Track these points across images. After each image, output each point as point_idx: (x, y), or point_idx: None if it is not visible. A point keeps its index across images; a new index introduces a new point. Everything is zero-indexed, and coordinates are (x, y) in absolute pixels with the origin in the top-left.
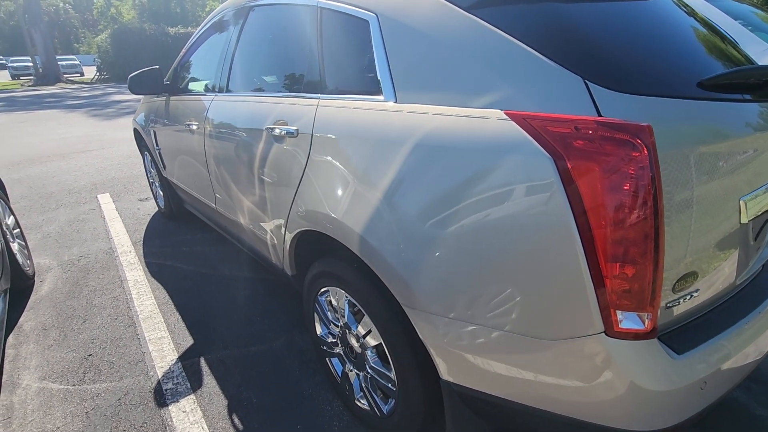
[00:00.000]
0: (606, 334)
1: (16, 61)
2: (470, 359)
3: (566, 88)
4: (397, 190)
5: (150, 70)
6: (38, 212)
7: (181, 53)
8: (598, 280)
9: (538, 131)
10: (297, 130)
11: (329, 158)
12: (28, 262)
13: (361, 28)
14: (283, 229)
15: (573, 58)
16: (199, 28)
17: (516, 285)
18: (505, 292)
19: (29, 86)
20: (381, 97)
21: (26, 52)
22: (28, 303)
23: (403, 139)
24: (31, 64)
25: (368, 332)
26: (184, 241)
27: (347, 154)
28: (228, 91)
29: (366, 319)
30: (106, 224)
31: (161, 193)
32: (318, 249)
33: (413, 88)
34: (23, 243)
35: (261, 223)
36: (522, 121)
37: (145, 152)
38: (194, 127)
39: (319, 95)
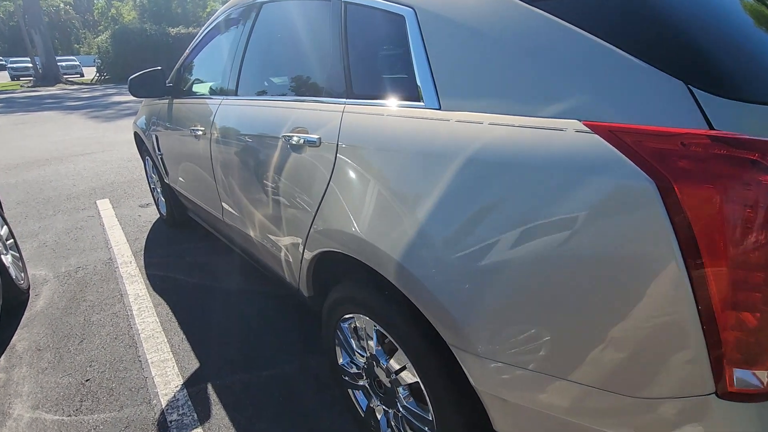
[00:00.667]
0: (717, 395)
1: (16, 62)
2: (538, 414)
3: (664, 94)
4: (446, 212)
5: (152, 71)
6: (35, 219)
7: (185, 54)
8: (712, 332)
9: (632, 147)
10: (319, 138)
11: (358, 172)
12: (22, 275)
13: (394, 24)
14: (301, 248)
15: (671, 58)
16: (203, 28)
17: (602, 332)
18: (588, 339)
19: (29, 87)
20: (420, 103)
21: (26, 52)
22: (22, 320)
23: (451, 152)
24: (30, 64)
25: (402, 368)
26: (187, 251)
27: (381, 167)
28: (237, 94)
29: (400, 353)
30: (106, 232)
31: (163, 199)
32: (341, 270)
33: (460, 93)
34: (17, 254)
35: (275, 239)
36: (609, 134)
37: (147, 157)
38: (200, 133)
39: (345, 100)
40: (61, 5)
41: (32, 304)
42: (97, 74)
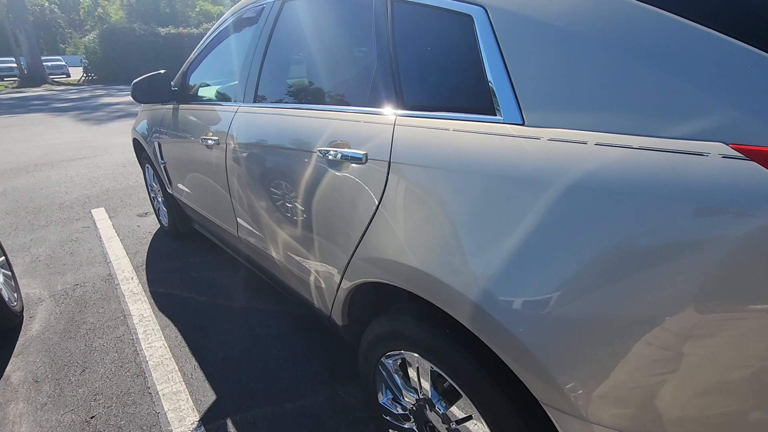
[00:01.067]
0: None
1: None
2: None
3: None
4: (542, 247)
5: (157, 75)
6: (26, 231)
7: (192, 56)
8: None
9: None
10: (365, 155)
11: (418, 195)
12: (15, 295)
13: (458, 24)
14: (337, 276)
15: None
16: (213, 28)
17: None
18: (736, 410)
19: (13, 88)
20: (497, 117)
21: (10, 52)
22: (16, 346)
23: (546, 177)
24: (15, 65)
25: (467, 418)
26: (193, 265)
27: (448, 191)
28: (257, 101)
29: (465, 400)
30: (103, 245)
31: (165, 209)
32: (386, 300)
33: (550, 105)
34: (9, 273)
35: (303, 263)
36: None
37: (147, 165)
38: (211, 142)
39: (396, 111)
40: (46, 4)
41: (27, 328)
42: (84, 75)
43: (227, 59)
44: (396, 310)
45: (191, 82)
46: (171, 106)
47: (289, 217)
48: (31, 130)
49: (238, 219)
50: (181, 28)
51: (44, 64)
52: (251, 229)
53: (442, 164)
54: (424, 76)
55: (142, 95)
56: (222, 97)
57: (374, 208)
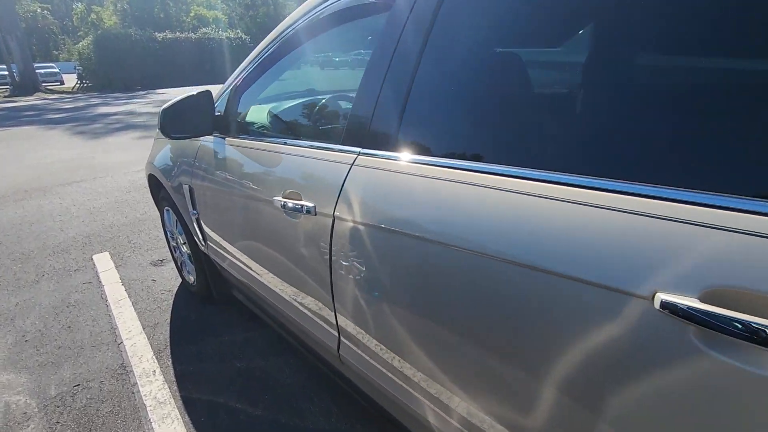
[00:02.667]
0: None
1: None
2: None
3: None
4: None
5: (195, 96)
6: (10, 290)
7: (245, 68)
8: None
9: None
10: None
11: None
12: None
13: None
14: None
15: None
16: (288, 23)
17: None
18: None
19: (5, 97)
20: None
21: (1, 60)
22: None
23: None
24: (6, 72)
25: None
26: (234, 347)
27: None
28: (400, 147)
29: None
30: (111, 312)
31: (192, 265)
32: None
33: None
34: None
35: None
36: None
37: (167, 207)
38: (297, 208)
39: None
40: (38, 10)
41: None
42: (79, 82)
43: (319, 74)
44: None
45: (245, 107)
46: (212, 138)
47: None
48: (22, 146)
49: (345, 329)
50: (178, 33)
51: (37, 71)
52: (372, 348)
53: None
54: None
55: (175, 128)
56: (313, 135)
57: None
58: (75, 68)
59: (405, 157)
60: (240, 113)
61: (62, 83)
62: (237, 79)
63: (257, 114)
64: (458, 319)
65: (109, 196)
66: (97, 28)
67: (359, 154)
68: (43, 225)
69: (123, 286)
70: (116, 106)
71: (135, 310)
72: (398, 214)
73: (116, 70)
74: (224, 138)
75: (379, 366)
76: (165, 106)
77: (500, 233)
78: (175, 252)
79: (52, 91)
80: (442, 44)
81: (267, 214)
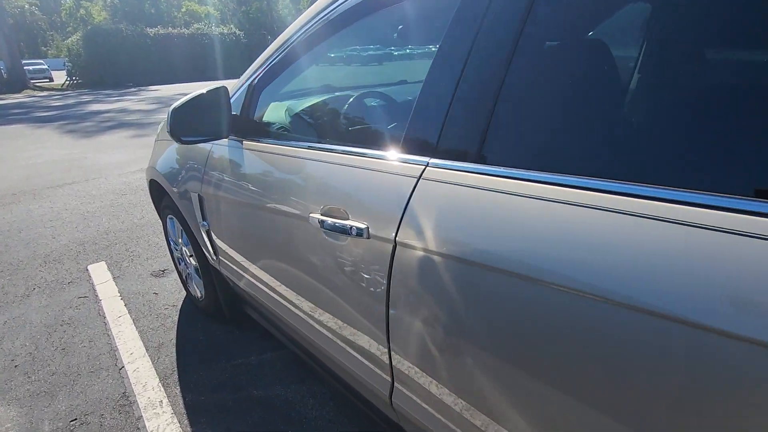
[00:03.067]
0: None
1: None
2: None
3: None
4: None
5: (213, 93)
6: None
7: (262, 66)
8: None
9: None
10: None
11: None
12: None
13: None
14: None
15: None
16: (314, 14)
17: None
18: None
19: None
20: None
21: None
22: None
23: None
24: None
25: None
26: (250, 372)
27: None
28: (490, 159)
29: None
30: (109, 331)
31: (199, 279)
32: None
33: None
34: None
35: None
36: None
37: (170, 215)
38: (344, 229)
39: None
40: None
41: None
42: (68, 79)
43: (352, 69)
44: None
45: (266, 106)
46: (226, 142)
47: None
48: (10, 145)
49: (403, 373)
50: (170, 28)
51: (25, 68)
52: (440, 400)
53: None
54: None
55: (187, 131)
56: (356, 139)
57: None
58: (64, 65)
59: (494, 171)
60: (260, 113)
61: (51, 80)
62: (255, 75)
63: (282, 114)
64: (566, 376)
65: (104, 199)
66: (87, 24)
67: (428, 165)
68: (33, 232)
69: (122, 301)
70: (108, 104)
71: (136, 328)
72: (492, 244)
73: (107, 67)
74: (241, 141)
75: (448, 422)
76: (175, 105)
77: (651, 279)
78: (180, 264)
79: (41, 88)
80: (545, 32)
81: (299, 232)
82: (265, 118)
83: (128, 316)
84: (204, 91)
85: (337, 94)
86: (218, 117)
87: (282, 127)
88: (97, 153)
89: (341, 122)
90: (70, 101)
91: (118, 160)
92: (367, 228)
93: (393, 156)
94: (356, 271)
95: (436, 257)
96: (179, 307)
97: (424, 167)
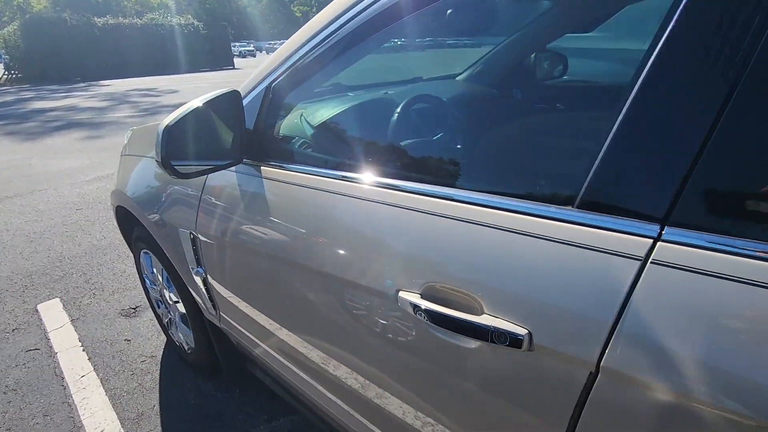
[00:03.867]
0: None
1: None
2: None
3: None
4: None
5: (220, 101)
6: None
7: (288, 61)
8: None
9: None
10: None
11: None
12: None
13: None
14: None
15: None
16: None
17: None
18: None
19: None
20: None
21: None
22: None
23: None
24: None
25: None
26: None
27: None
28: None
29: None
30: (71, 400)
31: (187, 329)
32: None
33: None
34: None
35: None
36: None
37: (145, 251)
38: (487, 332)
39: None
40: None
41: None
42: (6, 73)
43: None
44: None
45: (295, 116)
46: (247, 169)
47: None
48: None
49: None
50: (121, 18)
51: None
52: None
53: None
54: None
55: (185, 156)
56: (487, 178)
57: None
58: (1, 57)
59: None
60: (288, 127)
61: None
62: (276, 74)
63: (328, 129)
64: None
65: (54, 215)
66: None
67: (659, 238)
68: None
69: (85, 353)
70: (53, 101)
71: (106, 391)
72: None
73: (50, 60)
74: (258, 167)
75: None
76: (168, 122)
77: None
78: (158, 306)
79: None
80: None
81: (373, 312)
82: (295, 135)
83: (94, 374)
84: (206, 99)
85: (419, 105)
86: (229, 135)
87: (334, 149)
88: (43, 158)
89: (457, 150)
90: (9, 98)
91: (70, 166)
92: (529, 335)
93: (575, 215)
94: (488, 386)
95: (693, 407)
96: (159, 357)
97: (652, 241)
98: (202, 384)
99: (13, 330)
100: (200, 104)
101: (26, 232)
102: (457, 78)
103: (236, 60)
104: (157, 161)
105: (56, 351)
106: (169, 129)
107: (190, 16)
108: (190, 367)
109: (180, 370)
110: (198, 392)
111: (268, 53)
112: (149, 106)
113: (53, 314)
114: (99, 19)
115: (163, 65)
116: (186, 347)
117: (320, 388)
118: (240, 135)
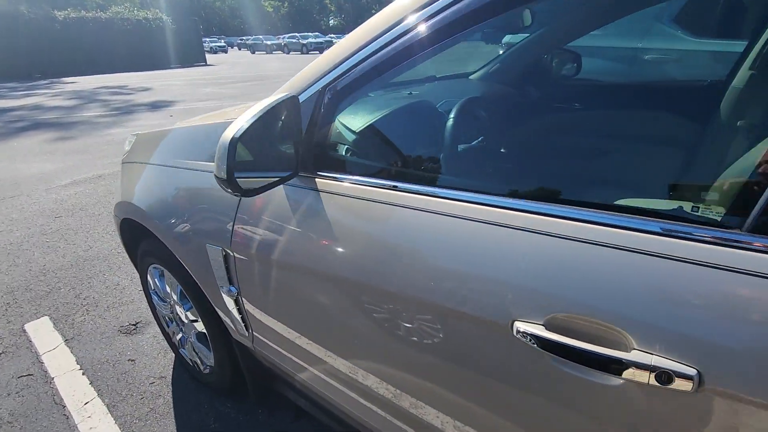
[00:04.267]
0: None
1: None
2: None
3: None
4: None
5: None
6: None
7: (349, 61)
8: None
9: None
10: None
11: None
12: None
13: None
14: None
15: None
16: None
17: None
18: None
19: None
20: None
21: None
22: None
23: None
24: None
25: None
26: None
27: None
28: None
29: None
30: (76, 430)
31: (207, 350)
32: None
33: None
34: None
35: None
36: None
37: (155, 266)
38: (653, 373)
39: None
40: None
41: None
42: None
43: None
44: None
45: (358, 123)
46: (301, 184)
47: None
48: None
49: None
50: (84, 12)
51: None
52: None
53: None
54: None
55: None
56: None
57: None
58: None
59: None
60: (351, 134)
61: None
62: (335, 76)
63: (376, 136)
64: None
65: (31, 224)
66: None
67: None
68: None
69: (85, 377)
70: (15, 99)
71: (114, 419)
72: None
73: (6, 55)
74: (312, 178)
75: None
76: (233, 133)
77: None
78: (168, 325)
79: None
80: None
81: (478, 343)
82: (360, 144)
83: (99, 400)
84: (267, 106)
85: (471, 108)
86: (289, 144)
87: (385, 158)
88: (11, 162)
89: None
90: None
91: (42, 170)
92: (699, 376)
93: (731, 234)
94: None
95: None
96: (170, 378)
97: None
98: (219, 405)
99: (1, 354)
100: (263, 112)
101: (2, 244)
102: (471, 77)
103: (208, 56)
104: (217, 177)
105: (52, 376)
106: (232, 141)
107: (157, 11)
108: (205, 388)
109: (194, 391)
110: (217, 414)
111: (240, 49)
112: (121, 105)
113: (44, 334)
114: (60, 13)
115: (132, 62)
116: (202, 367)
117: (388, 417)
118: (298, 144)
